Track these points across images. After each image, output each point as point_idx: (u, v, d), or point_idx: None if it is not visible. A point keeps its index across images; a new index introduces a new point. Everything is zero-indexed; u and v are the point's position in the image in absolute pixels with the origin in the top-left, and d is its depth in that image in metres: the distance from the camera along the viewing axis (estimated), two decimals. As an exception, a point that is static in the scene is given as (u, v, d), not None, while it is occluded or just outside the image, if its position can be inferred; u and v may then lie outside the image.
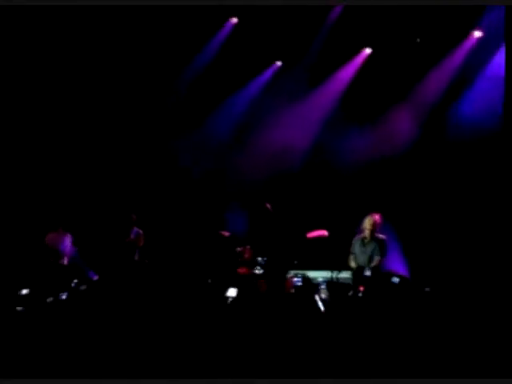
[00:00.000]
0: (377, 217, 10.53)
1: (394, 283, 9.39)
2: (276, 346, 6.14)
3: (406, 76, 12.39)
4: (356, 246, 10.60)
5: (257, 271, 10.65)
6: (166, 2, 11.50)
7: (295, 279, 10.24)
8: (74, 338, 6.44)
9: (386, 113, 12.48)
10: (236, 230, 11.49)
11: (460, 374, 5.25)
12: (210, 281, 10.32)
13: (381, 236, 10.52)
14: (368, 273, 9.90)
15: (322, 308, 9.10)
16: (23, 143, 12.13)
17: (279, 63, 13.26)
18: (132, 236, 11.51)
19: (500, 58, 11.18)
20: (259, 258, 10.67)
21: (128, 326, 6.91)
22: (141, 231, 11.54)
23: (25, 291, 9.00)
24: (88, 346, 6.18)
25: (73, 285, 9.33)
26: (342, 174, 12.56)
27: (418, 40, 12.34)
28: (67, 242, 10.96)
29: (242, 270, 10.91)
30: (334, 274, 10.50)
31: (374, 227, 10.46)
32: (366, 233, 10.49)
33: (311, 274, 10.77)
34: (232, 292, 9.48)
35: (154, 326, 6.96)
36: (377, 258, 10.37)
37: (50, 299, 8.63)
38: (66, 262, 10.83)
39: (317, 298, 9.31)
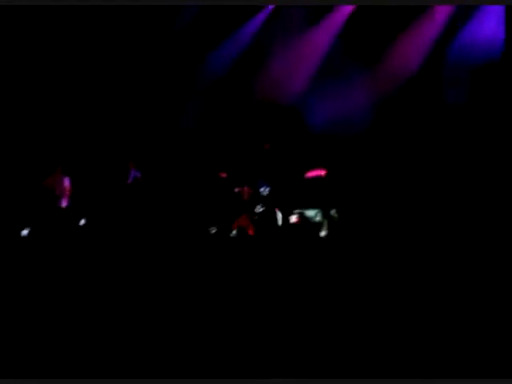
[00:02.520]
0: None
1: None
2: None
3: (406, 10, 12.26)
4: None
5: (257, 210, 10.68)
6: None
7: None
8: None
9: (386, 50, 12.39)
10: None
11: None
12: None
13: None
14: None
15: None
16: (23, 87, 12.03)
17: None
18: (130, 180, 11.50)
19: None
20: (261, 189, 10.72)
21: (123, 277, 6.80)
22: (139, 174, 11.52)
23: (25, 232, 8.96)
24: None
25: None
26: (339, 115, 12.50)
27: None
28: (66, 183, 10.94)
29: (242, 222, 10.90)
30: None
31: None
32: None
33: (310, 212, 10.84)
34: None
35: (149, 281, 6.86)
36: None
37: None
38: (64, 204, 10.80)
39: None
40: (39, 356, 5.38)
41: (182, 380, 5.10)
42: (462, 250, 7.59)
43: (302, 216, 10.53)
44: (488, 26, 11.66)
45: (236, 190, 11.41)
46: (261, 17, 12.94)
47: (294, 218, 10.46)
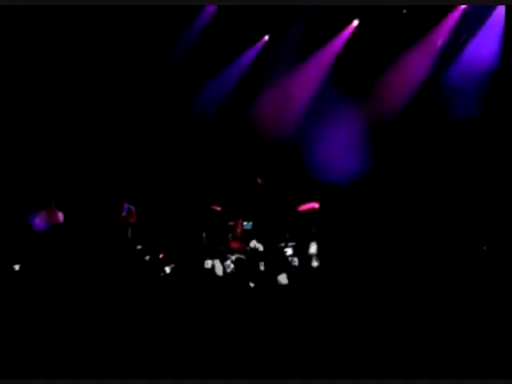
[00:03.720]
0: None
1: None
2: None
3: (393, 46, 12.38)
4: None
5: (251, 244, 10.71)
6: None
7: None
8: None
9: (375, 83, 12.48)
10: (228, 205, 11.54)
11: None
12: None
13: None
14: None
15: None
16: (20, 123, 12.08)
17: (266, 38, 13.20)
18: (124, 213, 11.48)
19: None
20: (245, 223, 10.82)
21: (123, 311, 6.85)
22: (132, 208, 11.52)
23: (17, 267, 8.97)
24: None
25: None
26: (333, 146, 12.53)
27: (405, 11, 12.35)
28: (59, 218, 10.95)
29: (234, 245, 10.94)
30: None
31: None
32: None
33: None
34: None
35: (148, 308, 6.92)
36: None
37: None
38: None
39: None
40: (39, 356, 5.45)
41: (181, 380, 5.16)
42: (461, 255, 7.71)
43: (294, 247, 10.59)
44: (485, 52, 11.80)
45: (230, 223, 11.44)
46: (251, 53, 13.07)
47: (289, 251, 10.52)
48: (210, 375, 5.32)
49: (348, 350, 5.53)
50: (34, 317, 6.16)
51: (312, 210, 11.68)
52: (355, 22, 12.69)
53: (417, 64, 12.36)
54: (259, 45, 13.06)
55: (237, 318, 6.08)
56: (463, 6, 12.11)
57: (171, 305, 6.61)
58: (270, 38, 13.04)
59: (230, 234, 11.20)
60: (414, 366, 5.28)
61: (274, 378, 5.27)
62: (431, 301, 6.33)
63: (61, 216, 11.09)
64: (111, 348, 5.64)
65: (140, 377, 5.30)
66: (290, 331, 5.79)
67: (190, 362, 5.45)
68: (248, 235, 11.07)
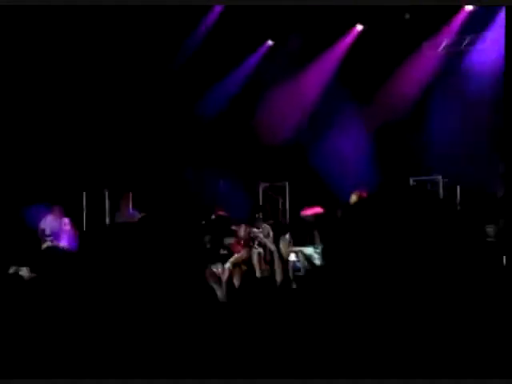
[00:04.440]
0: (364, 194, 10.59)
1: None
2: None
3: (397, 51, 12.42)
4: None
5: (254, 249, 10.75)
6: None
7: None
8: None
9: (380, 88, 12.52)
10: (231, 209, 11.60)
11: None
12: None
13: None
14: None
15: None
16: (22, 114, 12.25)
17: (270, 42, 13.29)
18: (128, 218, 11.60)
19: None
20: (255, 229, 10.82)
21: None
22: (137, 213, 11.62)
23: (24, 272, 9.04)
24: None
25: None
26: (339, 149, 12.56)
27: (408, 16, 12.38)
28: (66, 224, 11.04)
29: (236, 249, 10.98)
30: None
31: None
32: None
33: (308, 250, 10.87)
34: None
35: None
36: None
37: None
38: (64, 243, 10.91)
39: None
40: (39, 356, 5.49)
41: (181, 380, 5.19)
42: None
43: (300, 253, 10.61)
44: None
45: (233, 227, 11.48)
46: (256, 56, 13.15)
47: (292, 257, 10.52)
48: (210, 375, 5.39)
49: (348, 350, 5.54)
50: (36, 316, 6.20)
51: (315, 215, 11.67)
52: (359, 27, 12.76)
53: (421, 69, 12.41)
54: (263, 49, 13.16)
55: (237, 318, 6.11)
56: (467, 9, 12.13)
57: (172, 306, 6.65)
58: (274, 41, 13.13)
59: (234, 239, 11.25)
60: (413, 366, 5.27)
61: (274, 378, 5.29)
62: (431, 301, 6.33)
63: (67, 222, 11.19)
64: (111, 348, 5.68)
65: (140, 377, 5.38)
66: (289, 331, 5.81)
67: (189, 361, 5.49)
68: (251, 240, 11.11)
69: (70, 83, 12.45)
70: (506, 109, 10.08)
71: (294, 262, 10.56)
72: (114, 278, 8.23)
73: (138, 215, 11.51)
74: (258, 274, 10.46)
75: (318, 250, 10.81)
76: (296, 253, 10.98)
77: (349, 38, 12.92)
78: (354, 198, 10.60)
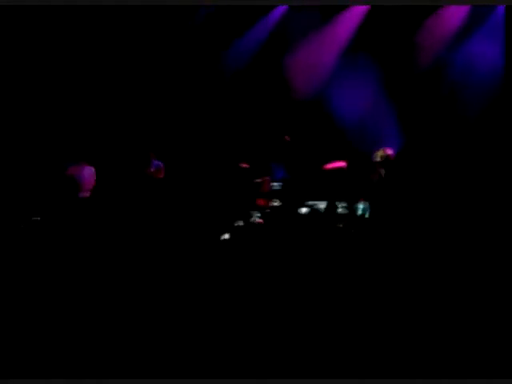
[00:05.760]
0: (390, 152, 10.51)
1: None
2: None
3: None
4: None
5: (275, 203, 10.75)
6: None
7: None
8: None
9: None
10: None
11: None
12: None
13: None
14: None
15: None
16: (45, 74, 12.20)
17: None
18: (152, 169, 11.59)
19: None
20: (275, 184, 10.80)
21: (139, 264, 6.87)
22: (161, 164, 11.63)
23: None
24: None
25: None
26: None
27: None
28: (89, 173, 11.02)
29: (260, 202, 10.99)
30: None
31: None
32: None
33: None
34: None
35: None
36: None
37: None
38: (87, 194, 10.89)
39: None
40: (39, 356, 5.45)
41: (181, 380, 5.20)
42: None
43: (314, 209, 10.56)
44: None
45: (257, 180, 11.48)
46: (277, 12, 13.00)
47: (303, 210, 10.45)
48: (210, 375, 5.33)
49: (348, 349, 5.53)
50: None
51: (339, 169, 11.63)
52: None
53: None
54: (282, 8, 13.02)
55: (236, 317, 6.07)
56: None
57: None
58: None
59: (257, 191, 11.26)
60: (413, 366, 5.26)
61: (274, 378, 5.28)
62: (431, 301, 6.30)
63: (91, 171, 11.17)
64: (111, 348, 5.62)
65: (140, 377, 5.33)
66: (289, 331, 5.78)
67: (189, 361, 5.44)
68: (275, 194, 11.10)
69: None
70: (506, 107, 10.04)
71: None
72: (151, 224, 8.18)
73: (161, 166, 11.54)
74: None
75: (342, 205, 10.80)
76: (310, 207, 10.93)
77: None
78: (379, 155, 10.52)
